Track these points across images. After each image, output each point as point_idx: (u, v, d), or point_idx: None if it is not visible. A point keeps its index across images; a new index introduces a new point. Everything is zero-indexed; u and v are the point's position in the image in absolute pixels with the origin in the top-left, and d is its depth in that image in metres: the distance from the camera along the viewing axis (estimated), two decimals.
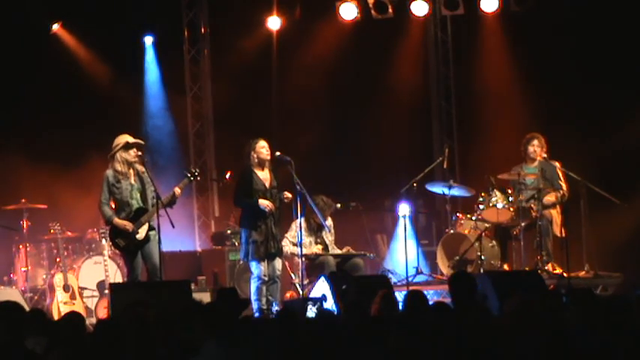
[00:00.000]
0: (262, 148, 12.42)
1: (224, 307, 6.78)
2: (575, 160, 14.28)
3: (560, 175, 14.06)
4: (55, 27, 15.78)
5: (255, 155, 12.41)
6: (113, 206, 11.88)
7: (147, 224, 11.83)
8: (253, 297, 12.22)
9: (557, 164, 14.08)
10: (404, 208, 14.44)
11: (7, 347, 6.03)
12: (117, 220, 11.83)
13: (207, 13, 17.11)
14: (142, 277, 12.02)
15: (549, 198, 13.92)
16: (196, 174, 12.21)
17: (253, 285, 12.37)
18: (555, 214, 13.98)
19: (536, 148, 14.10)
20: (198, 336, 6.77)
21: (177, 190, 11.91)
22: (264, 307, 12.20)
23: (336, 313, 9.80)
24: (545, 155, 14.09)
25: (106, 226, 12.70)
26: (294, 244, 13.18)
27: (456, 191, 15.07)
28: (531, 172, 14.12)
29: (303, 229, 13.08)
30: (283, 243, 13.08)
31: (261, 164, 12.44)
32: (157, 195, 11.70)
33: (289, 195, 12.43)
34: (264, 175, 12.46)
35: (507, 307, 7.24)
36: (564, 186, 14.00)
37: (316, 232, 13.62)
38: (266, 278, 12.32)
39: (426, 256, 15.34)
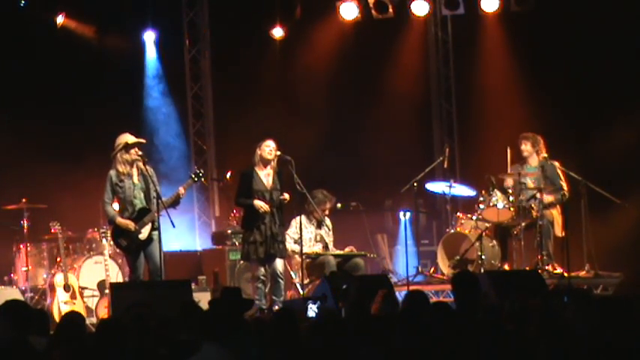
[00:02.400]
0: (266, 147, 12.42)
1: (226, 307, 6.78)
2: (575, 159, 14.29)
3: (561, 174, 14.07)
4: (60, 19, 15.73)
5: (259, 153, 12.42)
6: (117, 206, 11.92)
7: (150, 224, 11.84)
8: (254, 297, 12.23)
9: (556, 164, 14.08)
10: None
11: (12, 345, 6.04)
12: (120, 220, 11.84)
13: (208, 12, 17.11)
14: (144, 277, 12.04)
15: (548, 198, 13.94)
16: (201, 175, 12.22)
17: (253, 285, 12.38)
18: (556, 214, 14.00)
19: (525, 147, 14.15)
20: (198, 336, 6.77)
21: (181, 191, 11.91)
22: (265, 307, 12.20)
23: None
24: (545, 155, 14.10)
25: (107, 226, 12.71)
26: (296, 242, 13.20)
27: (459, 190, 15.09)
28: (531, 172, 14.13)
29: (303, 225, 13.11)
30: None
31: (264, 163, 12.44)
32: (158, 195, 11.71)
33: (287, 196, 12.43)
34: (266, 175, 12.44)
35: (506, 309, 7.26)
36: (565, 185, 14.01)
37: (316, 228, 13.66)
38: (264, 278, 12.32)
39: (425, 255, 15.36)
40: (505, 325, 7.18)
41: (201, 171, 12.39)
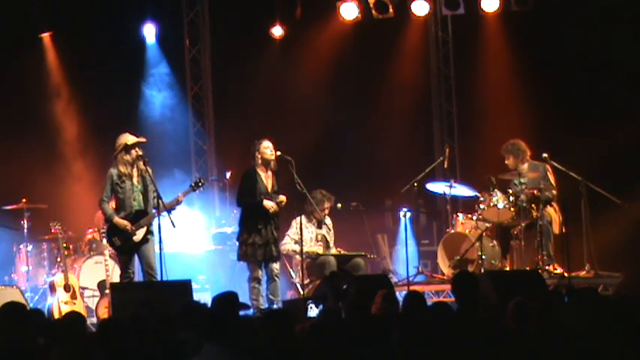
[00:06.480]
0: (266, 148, 12.41)
1: (225, 307, 6.79)
2: (575, 159, 14.27)
3: (549, 173, 14.03)
4: (45, 34, 15.80)
5: (259, 156, 12.41)
6: (113, 205, 11.94)
7: (145, 227, 11.86)
8: (250, 297, 12.25)
9: (545, 156, 14.03)
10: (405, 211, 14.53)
11: (12, 345, 6.04)
12: (117, 219, 11.86)
13: (208, 12, 17.11)
14: (137, 277, 12.06)
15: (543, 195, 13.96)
16: (201, 184, 12.23)
17: (249, 285, 12.37)
18: (553, 213, 14.00)
19: (508, 162, 14.11)
20: (199, 336, 6.76)
21: (180, 197, 11.95)
22: (261, 307, 12.20)
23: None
24: (529, 154, 14.13)
25: (104, 224, 12.72)
26: (296, 242, 13.20)
27: (460, 190, 15.08)
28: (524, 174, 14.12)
29: (303, 226, 13.12)
30: (285, 240, 13.18)
31: (265, 165, 12.43)
32: (159, 195, 11.72)
33: (283, 198, 12.43)
34: (267, 177, 12.44)
35: (508, 310, 7.26)
36: (553, 184, 14.00)
37: (317, 228, 13.67)
38: (261, 279, 12.33)
39: (425, 255, 15.36)
40: (507, 324, 7.18)
41: (202, 180, 12.40)
